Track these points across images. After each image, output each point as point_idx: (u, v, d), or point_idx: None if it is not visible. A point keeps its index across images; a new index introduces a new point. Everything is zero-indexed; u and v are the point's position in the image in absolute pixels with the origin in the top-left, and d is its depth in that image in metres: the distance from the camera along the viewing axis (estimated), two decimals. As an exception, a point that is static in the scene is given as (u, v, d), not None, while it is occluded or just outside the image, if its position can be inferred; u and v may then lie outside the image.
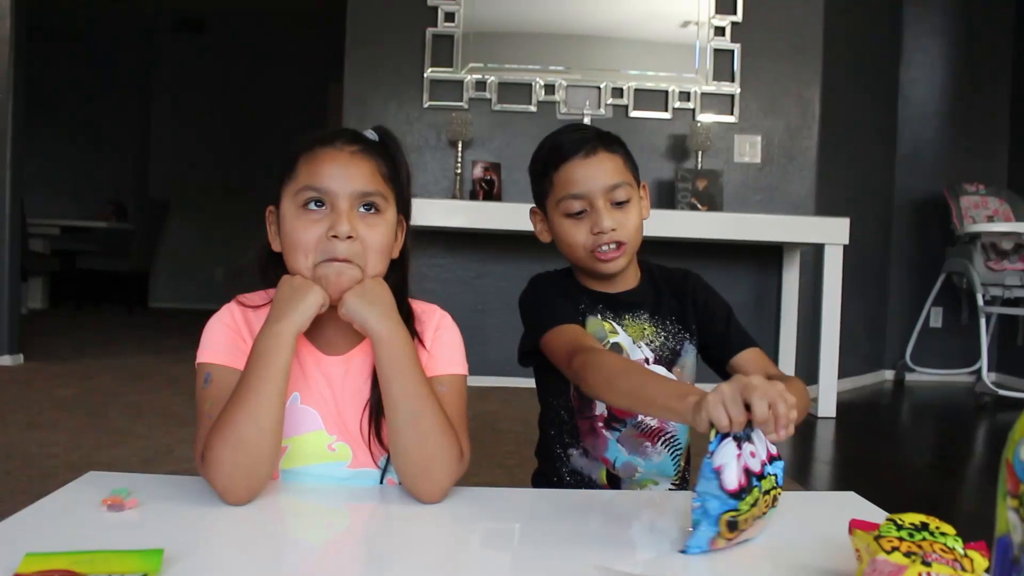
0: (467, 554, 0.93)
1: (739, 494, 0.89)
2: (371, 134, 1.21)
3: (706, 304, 1.45)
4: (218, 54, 8.98)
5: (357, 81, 4.29)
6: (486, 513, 1.06)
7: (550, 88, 4.32)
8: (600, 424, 1.38)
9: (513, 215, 3.77)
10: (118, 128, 9.03)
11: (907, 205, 5.40)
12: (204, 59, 8.99)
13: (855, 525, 0.84)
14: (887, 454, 3.49)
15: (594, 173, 1.35)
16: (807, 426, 3.70)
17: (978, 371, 4.67)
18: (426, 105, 4.29)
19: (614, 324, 1.40)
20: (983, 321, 4.63)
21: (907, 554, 0.75)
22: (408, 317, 1.19)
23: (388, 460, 1.15)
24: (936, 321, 5.39)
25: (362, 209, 1.14)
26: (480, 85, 4.31)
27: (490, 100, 4.31)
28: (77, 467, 2.36)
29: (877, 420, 4.32)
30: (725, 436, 0.91)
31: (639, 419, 1.37)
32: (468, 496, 1.11)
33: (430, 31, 4.28)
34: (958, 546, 0.77)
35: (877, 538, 0.78)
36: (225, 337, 1.17)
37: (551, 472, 1.44)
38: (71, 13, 8.34)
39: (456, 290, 4.14)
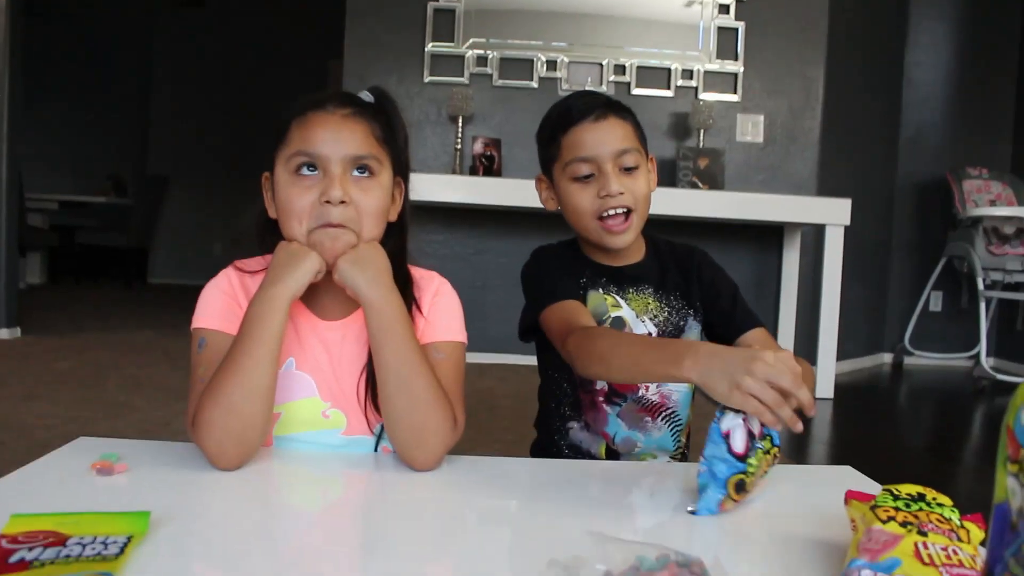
0: (460, 522, 0.93)
1: (745, 457, 0.92)
2: (366, 95, 1.19)
3: (712, 282, 1.43)
4: (218, 30, 8.93)
5: (357, 56, 4.26)
6: (480, 481, 1.05)
7: (552, 64, 4.29)
8: (601, 399, 1.37)
9: (513, 191, 3.76)
10: (118, 103, 9.00)
11: (909, 188, 5.38)
12: (204, 35, 8.95)
13: (851, 496, 0.83)
14: (884, 436, 3.49)
15: (603, 137, 1.31)
16: (805, 407, 3.70)
17: (977, 355, 4.66)
18: (427, 80, 4.26)
19: (617, 298, 1.37)
20: (983, 305, 4.62)
21: (903, 524, 0.74)
22: (406, 282, 1.19)
23: (383, 428, 1.14)
24: (936, 305, 5.38)
25: (356, 173, 1.12)
26: (481, 60, 4.28)
27: (491, 76, 4.28)
28: (73, 438, 2.35)
29: (875, 402, 4.31)
30: None
31: (640, 393, 1.36)
32: (463, 465, 1.10)
33: (431, 5, 4.25)
34: (955, 517, 0.76)
35: (873, 508, 0.77)
36: (221, 303, 1.16)
37: (550, 444, 1.43)
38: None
39: (455, 266, 4.13)
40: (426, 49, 4.25)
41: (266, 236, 1.20)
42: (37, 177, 7.70)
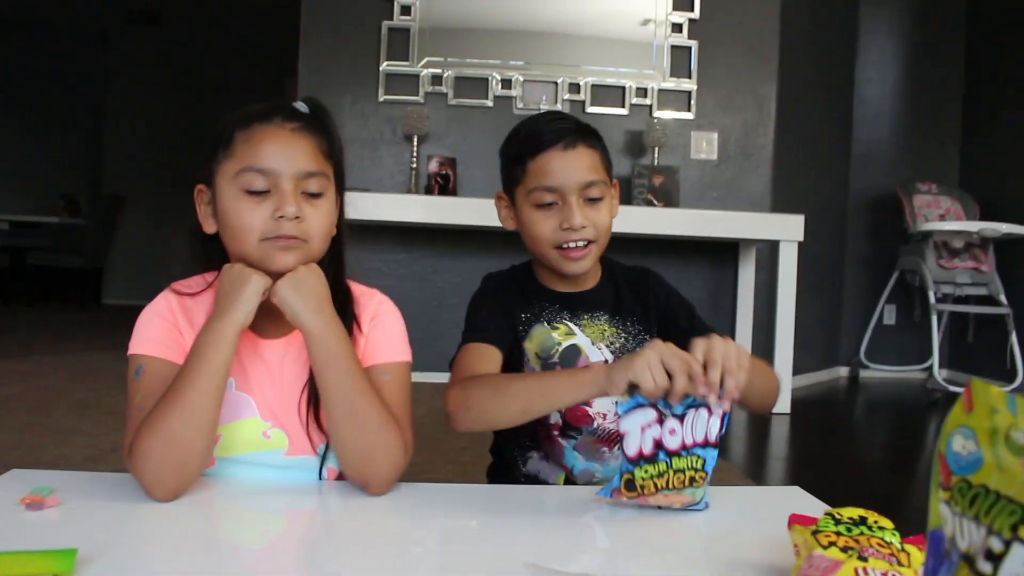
0: (401, 553, 0.91)
1: (637, 461, 0.96)
2: (301, 106, 1.16)
3: (667, 304, 1.40)
4: (173, 48, 8.84)
5: (311, 74, 4.24)
6: (428, 509, 1.03)
7: (507, 83, 4.29)
8: (556, 432, 1.34)
9: (468, 210, 3.75)
10: (71, 121, 8.86)
11: (862, 203, 5.46)
12: (158, 52, 8.85)
13: (794, 520, 0.82)
14: (841, 450, 3.52)
15: (571, 167, 1.27)
16: (761, 422, 3.72)
17: (930, 368, 4.73)
18: (381, 99, 4.24)
19: (571, 325, 1.34)
20: (935, 318, 4.69)
21: (844, 549, 0.74)
22: (346, 299, 1.18)
23: (327, 448, 1.12)
24: (890, 318, 5.45)
25: (308, 192, 1.10)
26: (436, 79, 4.27)
27: (446, 95, 4.27)
28: (15, 467, 2.29)
29: (831, 416, 4.35)
30: (639, 404, 0.97)
31: (595, 425, 1.32)
32: (411, 492, 1.08)
33: (386, 24, 4.23)
34: (896, 540, 0.76)
35: (815, 533, 0.77)
36: (160, 328, 1.14)
37: (506, 471, 1.40)
38: (24, 3, 8.17)
39: (412, 285, 4.10)
40: (381, 68, 4.23)
41: (202, 252, 1.19)
42: (-14, 197, 7.57)
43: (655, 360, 0.97)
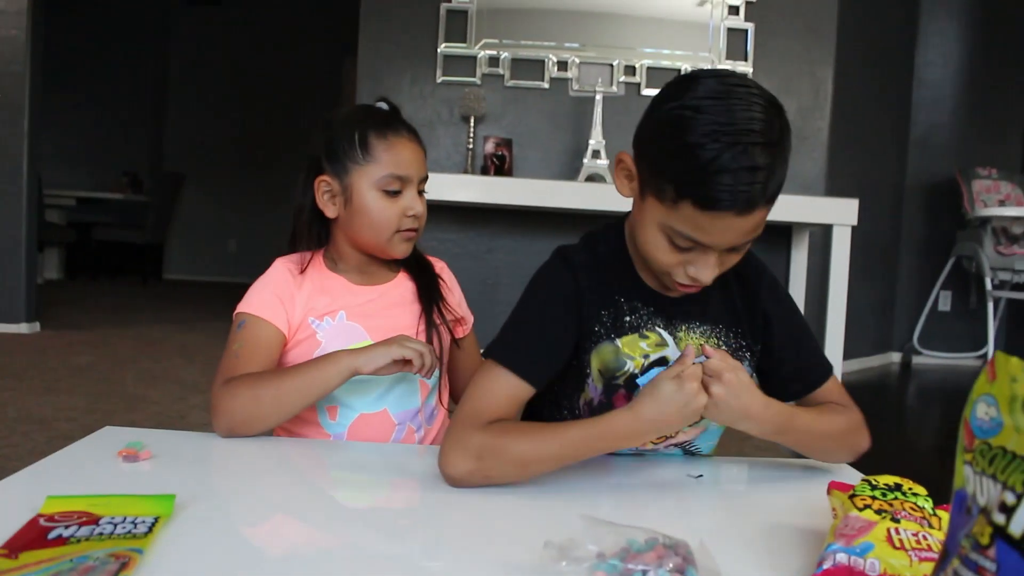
0: (462, 507, 0.98)
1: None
2: (383, 105, 1.37)
3: (781, 321, 1.19)
4: (233, 27, 9.01)
5: (371, 56, 4.32)
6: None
7: (563, 65, 4.33)
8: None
9: (524, 190, 3.81)
10: (134, 100, 9.09)
11: (919, 188, 5.40)
12: (219, 32, 9.03)
13: (833, 486, 0.88)
14: (891, 434, 3.52)
15: (733, 231, 0.99)
16: (811, 405, 3.74)
17: (985, 355, 4.68)
18: (439, 80, 4.31)
19: (663, 334, 1.13)
20: (991, 305, 4.64)
21: (878, 511, 0.79)
22: (427, 264, 1.45)
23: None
24: (945, 304, 5.40)
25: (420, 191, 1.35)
26: (493, 61, 4.32)
27: (503, 76, 4.33)
28: (93, 430, 2.42)
29: (883, 401, 4.34)
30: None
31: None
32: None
33: (444, 6, 4.29)
34: (928, 505, 0.81)
35: (852, 496, 0.82)
36: (267, 295, 1.31)
37: None
38: (88, -15, 8.39)
39: (466, 264, 4.18)
40: (439, 50, 4.30)
41: (316, 231, 1.38)
42: (55, 174, 7.80)
43: (692, 392, 0.96)
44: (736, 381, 0.99)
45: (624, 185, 1.08)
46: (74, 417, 2.65)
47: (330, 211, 1.33)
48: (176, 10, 9.05)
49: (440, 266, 1.49)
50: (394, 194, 1.30)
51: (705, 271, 1.02)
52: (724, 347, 1.14)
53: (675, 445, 1.18)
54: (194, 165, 8.94)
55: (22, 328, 4.44)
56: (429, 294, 1.40)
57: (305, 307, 1.31)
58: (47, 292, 6.15)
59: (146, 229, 8.00)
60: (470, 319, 1.50)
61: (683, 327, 1.13)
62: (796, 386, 1.19)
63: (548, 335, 1.10)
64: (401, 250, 1.34)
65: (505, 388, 1.06)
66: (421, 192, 1.35)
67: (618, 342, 1.11)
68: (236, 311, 1.30)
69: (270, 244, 8.98)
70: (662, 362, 1.10)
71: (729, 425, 1.03)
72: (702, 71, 1.00)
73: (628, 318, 1.12)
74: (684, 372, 0.97)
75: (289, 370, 1.22)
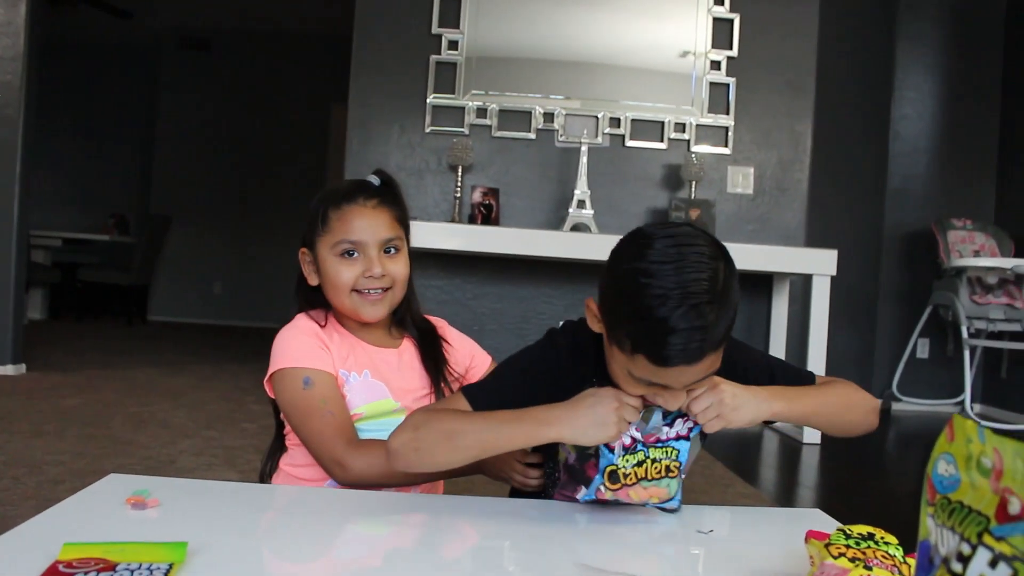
0: (461, 555, 1.02)
1: (619, 452, 1.10)
2: (374, 179, 1.47)
3: (745, 372, 1.24)
4: (223, 73, 9.11)
5: (360, 105, 4.40)
6: (478, 519, 1.15)
7: (549, 116, 4.43)
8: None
9: (510, 239, 3.87)
10: (122, 142, 9.16)
11: (896, 238, 5.51)
12: (209, 77, 9.12)
13: (811, 535, 0.93)
14: (869, 481, 3.58)
15: (682, 377, 1.07)
16: (791, 452, 3.79)
17: (962, 402, 4.76)
18: (428, 130, 4.40)
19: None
20: (967, 353, 4.73)
21: (852, 559, 0.84)
22: (428, 324, 1.55)
23: None
24: (923, 352, 5.49)
25: (386, 252, 1.42)
26: (481, 112, 4.42)
27: (490, 126, 4.42)
28: (84, 475, 2.44)
29: (862, 448, 4.39)
30: None
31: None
32: (459, 504, 1.20)
33: (433, 58, 4.39)
34: (899, 554, 0.87)
35: (827, 545, 0.88)
36: (309, 344, 1.39)
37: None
38: (80, 27, 8.47)
39: (453, 310, 4.23)
40: (427, 100, 4.39)
41: (306, 299, 1.50)
42: (41, 214, 7.82)
43: (623, 421, 1.07)
44: (727, 388, 1.11)
45: (595, 324, 1.15)
46: (63, 461, 2.66)
47: (312, 279, 1.47)
48: (166, 55, 9.15)
49: (441, 325, 1.58)
50: (351, 258, 1.40)
51: (672, 402, 1.10)
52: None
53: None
54: (181, 208, 8.98)
55: (8, 370, 4.44)
56: (435, 362, 1.49)
57: (337, 356, 1.40)
58: (31, 333, 6.14)
59: (132, 270, 8.02)
60: (487, 360, 1.61)
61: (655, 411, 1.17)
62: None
63: (517, 392, 1.18)
64: (368, 312, 1.42)
65: (458, 407, 1.19)
66: (394, 252, 1.43)
67: None
68: (284, 367, 1.36)
69: (255, 287, 9.07)
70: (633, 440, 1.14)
71: (754, 420, 1.13)
72: (656, 230, 1.08)
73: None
74: (616, 394, 1.08)
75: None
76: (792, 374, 1.31)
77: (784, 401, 1.17)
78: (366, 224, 1.41)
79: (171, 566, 0.84)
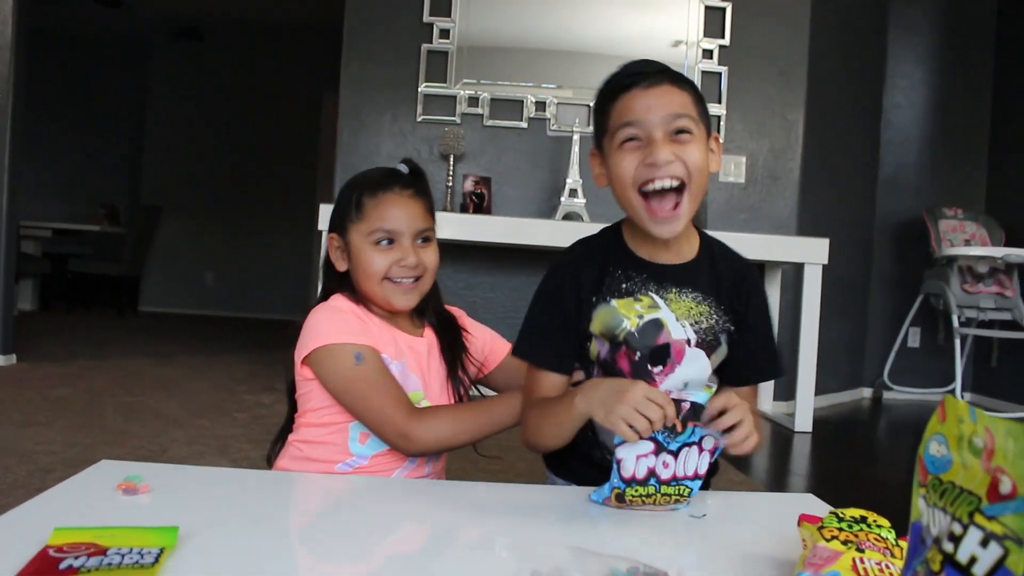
0: (453, 536, 1.02)
1: (631, 482, 1.08)
2: (403, 167, 1.50)
3: (756, 313, 1.34)
4: (214, 62, 9.06)
5: (352, 94, 4.39)
6: (471, 503, 1.15)
7: (541, 105, 4.42)
8: None
9: (502, 228, 3.87)
10: (112, 132, 9.10)
11: (888, 227, 5.52)
12: (200, 67, 9.07)
13: (803, 518, 0.93)
14: (861, 468, 3.59)
15: (654, 103, 1.21)
16: (784, 441, 3.80)
17: (953, 391, 4.79)
18: (419, 119, 4.39)
19: (655, 298, 1.27)
20: (958, 342, 4.75)
21: (844, 542, 0.84)
22: (450, 315, 1.58)
23: None
24: (914, 341, 5.51)
25: (419, 241, 1.45)
26: (473, 100, 4.41)
27: (482, 115, 4.41)
28: (75, 464, 2.43)
29: (853, 436, 4.42)
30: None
31: None
32: (456, 489, 1.20)
33: (425, 47, 4.38)
34: (891, 536, 0.87)
35: (820, 528, 0.88)
36: (352, 321, 1.40)
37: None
38: (69, 17, 8.42)
39: (445, 299, 4.20)
40: (419, 89, 4.38)
41: (335, 284, 1.49)
42: (31, 204, 7.78)
43: (631, 410, 1.06)
44: (745, 418, 1.11)
45: (600, 174, 1.31)
46: (55, 451, 2.65)
47: (340, 266, 1.48)
48: (156, 44, 9.10)
49: (459, 315, 1.62)
50: (386, 246, 1.42)
51: (660, 150, 1.19)
52: (713, 315, 1.29)
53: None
54: (172, 198, 8.95)
55: (-1, 360, 4.43)
56: (453, 353, 1.52)
57: (378, 341, 1.40)
58: (21, 324, 6.12)
59: (122, 261, 7.99)
60: (506, 346, 1.57)
61: (673, 291, 1.27)
62: (747, 371, 1.34)
63: (558, 326, 1.30)
64: (400, 301, 1.43)
65: (545, 384, 1.30)
66: (426, 242, 1.46)
67: (614, 303, 1.26)
68: (330, 343, 1.36)
69: (247, 277, 9.05)
70: (656, 323, 1.25)
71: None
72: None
73: (623, 284, 1.27)
74: (640, 390, 1.08)
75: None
76: (771, 355, 1.37)
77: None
78: (401, 213, 1.43)
79: (162, 551, 0.83)
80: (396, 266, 1.41)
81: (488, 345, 1.62)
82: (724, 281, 1.31)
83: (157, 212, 8.51)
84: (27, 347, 4.86)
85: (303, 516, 1.11)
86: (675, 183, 1.20)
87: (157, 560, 0.81)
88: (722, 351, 1.30)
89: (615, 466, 1.08)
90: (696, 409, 1.14)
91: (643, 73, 1.24)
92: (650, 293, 1.26)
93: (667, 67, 1.26)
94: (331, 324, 1.38)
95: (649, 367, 1.25)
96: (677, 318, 1.26)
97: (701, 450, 1.10)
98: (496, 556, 0.95)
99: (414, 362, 1.45)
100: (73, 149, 9.03)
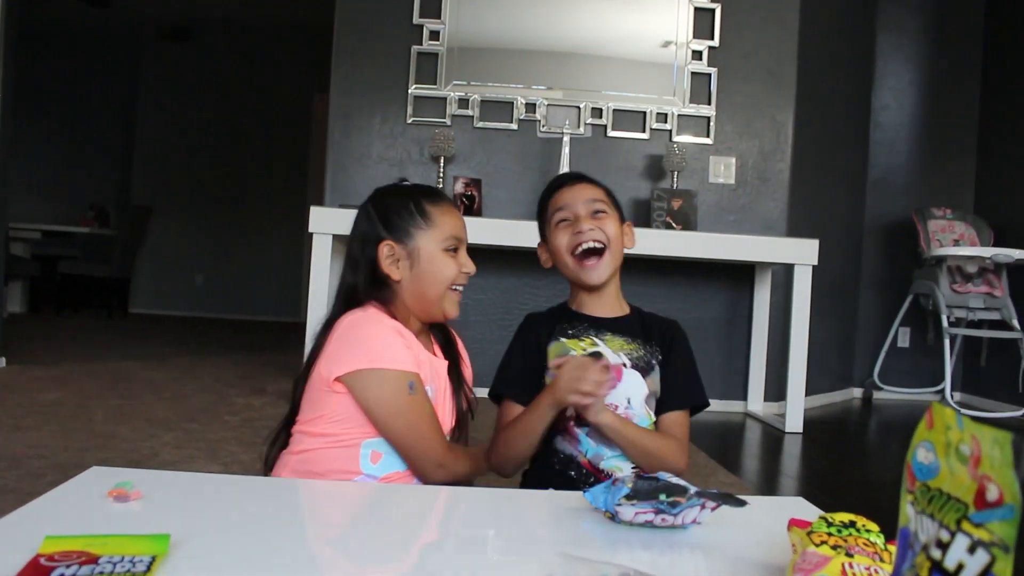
0: (448, 543, 1.02)
1: (625, 523, 1.07)
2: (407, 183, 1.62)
3: (679, 352, 1.63)
4: (203, 63, 9.04)
5: (343, 95, 4.38)
6: (465, 509, 1.15)
7: (531, 107, 4.42)
8: (571, 423, 1.53)
9: (493, 230, 3.87)
10: (102, 133, 9.08)
11: (877, 227, 5.55)
12: (189, 67, 9.06)
13: (793, 523, 0.94)
14: (851, 469, 3.61)
15: (578, 194, 1.61)
16: (774, 442, 3.81)
17: (943, 391, 4.81)
18: (409, 121, 4.39)
19: (595, 339, 1.58)
20: (947, 342, 4.77)
21: (833, 547, 0.85)
22: (449, 334, 1.65)
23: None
24: (904, 341, 5.53)
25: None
26: (463, 102, 4.41)
27: (472, 117, 4.41)
28: (65, 468, 2.43)
29: (844, 436, 4.43)
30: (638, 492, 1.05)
31: None
32: (449, 495, 1.20)
33: (415, 48, 4.38)
34: (880, 541, 0.87)
35: (809, 533, 0.88)
36: (400, 345, 1.43)
37: (541, 459, 1.56)
38: (58, 17, 8.39)
39: (436, 302, 4.22)
40: (409, 90, 4.38)
41: (375, 293, 1.52)
42: (20, 206, 7.75)
43: (571, 381, 1.38)
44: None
45: (546, 259, 1.67)
46: (45, 455, 2.64)
47: (395, 273, 1.51)
48: (146, 44, 9.07)
49: (454, 334, 1.68)
50: (453, 252, 1.52)
51: (583, 221, 1.57)
52: (642, 348, 1.59)
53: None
54: (162, 199, 8.93)
55: (-12, 364, 4.41)
56: (457, 370, 1.58)
57: (417, 361, 1.45)
58: (10, 326, 6.09)
59: (112, 263, 7.96)
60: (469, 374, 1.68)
61: (608, 335, 1.59)
62: (673, 399, 1.58)
63: (526, 360, 1.58)
64: (454, 311, 1.55)
65: (507, 412, 1.55)
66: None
67: (564, 342, 1.57)
68: (384, 367, 1.39)
69: (238, 279, 9.02)
70: (597, 353, 1.54)
71: (596, 419, 1.44)
72: None
73: (569, 331, 1.59)
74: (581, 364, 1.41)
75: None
76: (695, 388, 1.63)
77: (620, 422, 1.47)
78: (460, 222, 1.56)
79: (154, 558, 0.83)
80: (460, 273, 1.53)
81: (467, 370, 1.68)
82: (652, 333, 1.62)
83: (147, 213, 8.48)
84: (16, 350, 4.84)
85: (295, 523, 1.11)
86: (598, 245, 1.57)
87: (149, 568, 0.81)
88: (655, 376, 1.58)
89: (613, 512, 1.07)
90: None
91: (569, 176, 1.67)
92: (590, 336, 1.58)
93: (585, 174, 1.69)
94: (382, 343, 1.41)
95: None
96: (613, 351, 1.57)
97: (703, 508, 1.08)
98: (487, 560, 0.95)
99: (439, 384, 1.52)
100: (62, 150, 9.00)
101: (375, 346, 1.39)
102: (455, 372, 1.58)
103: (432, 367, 1.50)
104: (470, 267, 1.55)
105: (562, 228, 1.60)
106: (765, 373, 4.46)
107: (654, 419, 1.58)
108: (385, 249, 1.50)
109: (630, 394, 1.55)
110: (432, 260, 1.50)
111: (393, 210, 1.52)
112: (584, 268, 1.58)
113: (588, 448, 1.53)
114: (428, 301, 1.51)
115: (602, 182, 1.69)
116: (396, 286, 1.51)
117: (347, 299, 1.50)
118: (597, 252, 1.58)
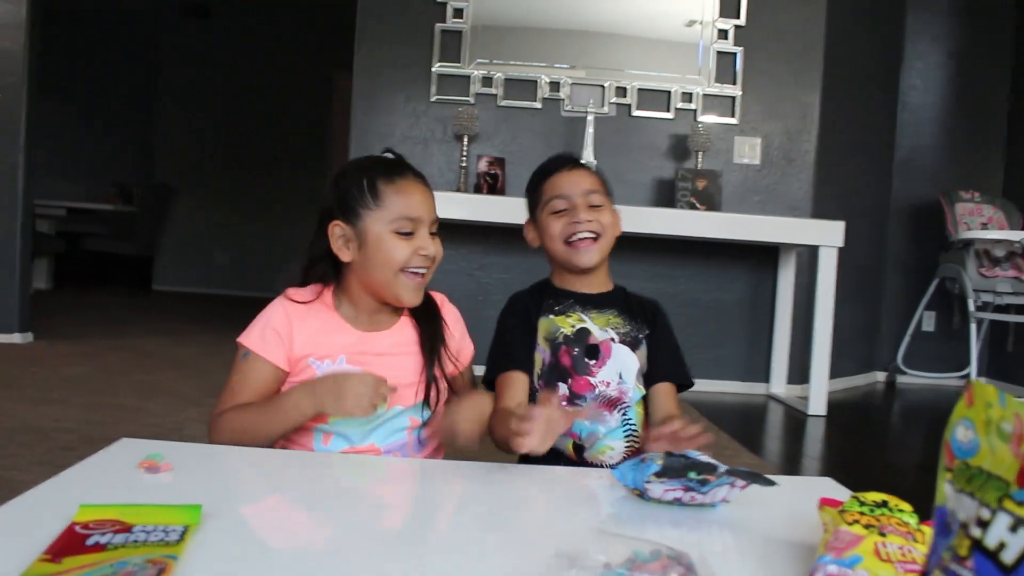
0: (477, 518, 1.02)
1: (654, 500, 1.08)
2: (389, 155, 1.48)
3: (663, 329, 1.66)
4: (224, 40, 9.04)
5: (365, 74, 4.37)
6: (497, 484, 1.15)
7: (555, 85, 4.40)
8: (565, 403, 1.54)
9: (516, 209, 3.82)
10: (125, 112, 9.10)
11: (903, 210, 5.49)
12: (211, 45, 9.05)
13: (824, 502, 0.93)
14: (874, 452, 3.59)
15: (575, 183, 1.62)
16: (796, 424, 3.80)
17: (968, 375, 4.76)
18: (433, 99, 4.37)
19: (582, 315, 1.61)
20: (973, 326, 4.73)
21: (866, 526, 0.84)
22: (433, 306, 1.54)
23: (425, 423, 1.44)
24: (929, 325, 5.48)
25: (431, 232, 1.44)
26: (487, 81, 4.39)
27: (496, 95, 4.39)
28: (93, 441, 2.45)
29: (867, 420, 4.41)
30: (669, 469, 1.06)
31: (597, 392, 1.57)
32: (480, 470, 1.20)
33: (438, 26, 4.36)
34: (913, 521, 0.87)
35: (841, 512, 0.88)
36: (269, 331, 1.40)
37: None
38: (79, -3, 8.41)
39: (458, 280, 4.23)
40: (433, 69, 4.36)
41: (322, 272, 1.46)
42: (45, 184, 7.80)
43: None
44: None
45: (533, 238, 1.69)
46: (72, 428, 2.67)
47: (344, 255, 1.42)
48: (167, 23, 9.09)
49: (441, 300, 1.59)
50: (406, 235, 1.39)
51: (580, 212, 1.59)
52: (629, 323, 1.62)
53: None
54: (185, 177, 8.96)
55: (15, 338, 4.45)
56: (432, 345, 1.48)
57: (307, 345, 1.40)
58: (36, 302, 6.14)
59: (136, 240, 8.01)
60: (469, 351, 1.61)
61: (594, 311, 1.62)
62: (660, 372, 1.61)
63: (520, 333, 1.60)
64: (409, 298, 1.42)
65: (512, 382, 1.56)
66: (433, 234, 1.43)
67: (552, 318, 1.60)
68: (240, 339, 1.41)
69: (260, 257, 9.06)
70: (584, 330, 1.59)
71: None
72: None
73: (557, 307, 1.62)
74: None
75: (263, 406, 1.35)
76: (679, 364, 1.65)
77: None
78: (421, 201, 1.41)
79: (186, 528, 0.84)
80: (415, 255, 1.39)
81: (457, 344, 1.57)
82: (635, 309, 1.66)
83: (170, 191, 8.53)
84: (42, 325, 4.89)
85: (323, 494, 1.11)
86: (593, 235, 1.60)
87: (182, 538, 0.82)
88: (643, 351, 1.61)
89: (643, 489, 1.07)
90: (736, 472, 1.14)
91: (564, 160, 1.67)
92: (577, 311, 1.62)
93: (579, 159, 1.73)
94: (255, 324, 1.42)
95: (586, 360, 1.56)
96: (600, 327, 1.60)
97: (732, 487, 1.08)
98: (519, 537, 0.95)
99: (364, 359, 1.41)
100: (86, 129, 9.03)
101: (255, 322, 1.42)
102: (427, 346, 1.47)
103: (354, 342, 1.42)
104: (430, 250, 1.40)
105: (557, 216, 1.61)
106: (788, 355, 4.44)
107: (644, 392, 1.60)
108: (336, 230, 1.41)
109: (621, 368, 1.57)
110: (379, 243, 1.38)
111: (343, 187, 1.42)
112: (577, 250, 1.59)
113: (583, 429, 1.54)
114: (377, 285, 1.41)
115: (601, 172, 1.73)
116: (347, 270, 1.44)
117: (303, 276, 1.48)
118: (592, 239, 1.60)
